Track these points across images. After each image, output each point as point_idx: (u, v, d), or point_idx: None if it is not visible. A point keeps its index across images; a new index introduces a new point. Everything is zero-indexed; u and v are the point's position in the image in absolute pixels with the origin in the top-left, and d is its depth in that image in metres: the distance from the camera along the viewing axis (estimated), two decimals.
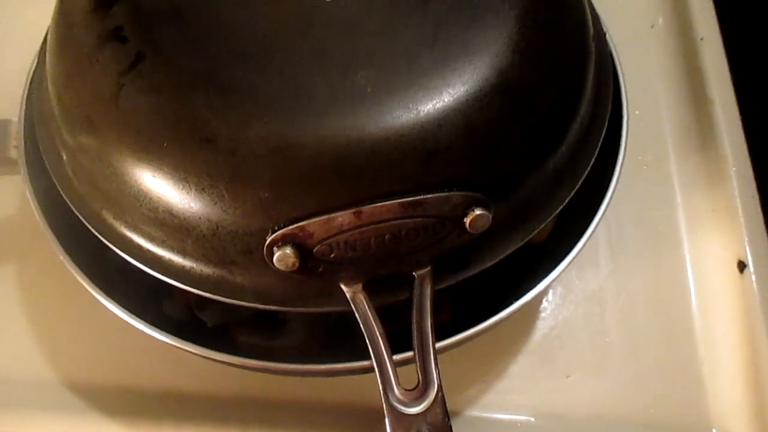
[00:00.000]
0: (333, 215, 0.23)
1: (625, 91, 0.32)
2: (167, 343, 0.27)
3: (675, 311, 0.34)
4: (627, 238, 0.36)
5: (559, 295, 0.35)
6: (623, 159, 0.30)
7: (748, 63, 0.41)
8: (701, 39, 0.40)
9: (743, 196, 0.35)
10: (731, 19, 0.41)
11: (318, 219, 0.23)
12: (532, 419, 0.32)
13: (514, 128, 0.25)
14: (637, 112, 0.38)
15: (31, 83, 0.31)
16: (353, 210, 0.23)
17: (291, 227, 0.23)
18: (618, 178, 0.30)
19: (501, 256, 0.26)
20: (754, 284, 0.33)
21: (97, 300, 0.30)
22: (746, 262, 0.34)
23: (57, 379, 0.32)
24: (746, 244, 0.34)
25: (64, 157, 0.28)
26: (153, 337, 0.31)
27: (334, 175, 0.23)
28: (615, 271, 0.36)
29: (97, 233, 0.27)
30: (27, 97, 0.31)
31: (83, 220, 0.27)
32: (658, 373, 0.33)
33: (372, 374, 0.25)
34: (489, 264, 0.26)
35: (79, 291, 0.32)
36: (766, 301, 0.33)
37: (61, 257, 0.29)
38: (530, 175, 0.26)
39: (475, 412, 0.32)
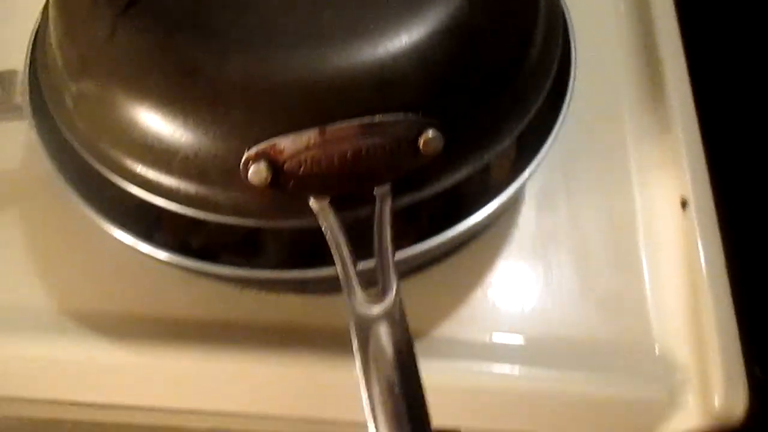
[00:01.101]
0: (300, 133, 0.26)
1: (574, 39, 0.35)
2: (160, 261, 0.30)
3: (624, 246, 0.38)
4: (581, 184, 0.39)
5: (519, 235, 0.38)
6: (570, 100, 0.33)
7: (698, 21, 0.44)
8: None
9: (688, 142, 0.38)
10: None
11: (287, 136, 0.27)
12: (489, 340, 0.35)
13: (463, 64, 0.29)
14: (595, 78, 0.41)
15: (36, 35, 0.34)
16: (318, 129, 0.26)
17: (263, 145, 0.27)
18: (564, 118, 0.33)
19: (454, 179, 0.30)
20: (695, 219, 0.36)
21: (95, 233, 0.33)
22: (688, 200, 0.37)
23: (56, 306, 0.35)
24: (689, 183, 0.37)
25: (65, 97, 0.31)
26: (144, 266, 0.34)
27: (301, 99, 0.27)
28: (570, 214, 0.39)
29: (95, 163, 0.30)
30: (31, 48, 0.34)
31: (82, 152, 0.31)
32: (608, 299, 0.36)
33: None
34: (443, 186, 0.29)
35: (79, 226, 0.36)
36: (705, 234, 0.36)
37: (65, 190, 0.32)
38: (480, 106, 0.29)
39: (436, 333, 0.35)
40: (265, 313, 0.35)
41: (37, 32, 0.35)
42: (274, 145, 0.27)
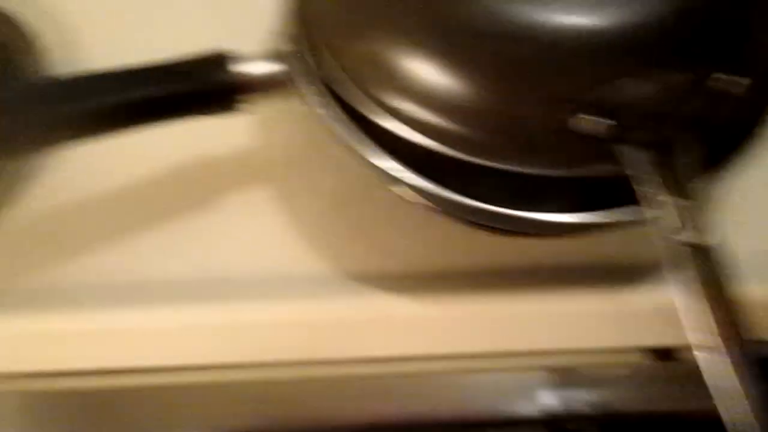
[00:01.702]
0: (613, 82, 0.30)
1: None
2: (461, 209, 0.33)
3: None
4: None
5: None
6: None
7: None
8: None
9: None
10: None
11: (603, 87, 0.30)
12: None
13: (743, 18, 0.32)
14: None
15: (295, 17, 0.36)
16: (626, 79, 0.30)
17: (583, 96, 0.30)
18: None
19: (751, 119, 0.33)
20: None
21: (363, 196, 0.37)
22: None
23: (333, 268, 0.38)
24: None
25: (360, 67, 0.33)
26: (419, 223, 0.37)
27: (615, 55, 0.30)
28: None
29: (386, 119, 0.32)
30: (292, 29, 0.36)
31: (378, 118, 0.32)
32: None
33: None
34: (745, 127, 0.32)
35: (346, 191, 0.38)
36: None
37: (355, 151, 0.33)
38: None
39: None
40: (541, 254, 0.38)
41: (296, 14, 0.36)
42: (590, 95, 0.30)
